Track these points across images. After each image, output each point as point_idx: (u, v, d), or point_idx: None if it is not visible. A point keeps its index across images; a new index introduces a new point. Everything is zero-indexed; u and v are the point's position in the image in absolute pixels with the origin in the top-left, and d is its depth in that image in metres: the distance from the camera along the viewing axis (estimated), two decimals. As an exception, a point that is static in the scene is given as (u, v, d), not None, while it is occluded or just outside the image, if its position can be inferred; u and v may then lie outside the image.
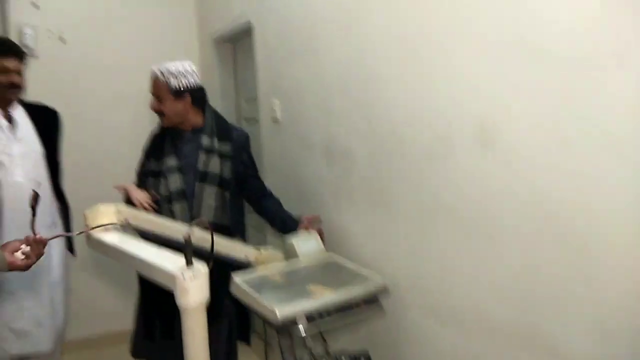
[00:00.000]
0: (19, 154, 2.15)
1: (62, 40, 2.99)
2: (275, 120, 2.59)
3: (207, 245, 1.80)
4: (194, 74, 2.05)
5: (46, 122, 2.30)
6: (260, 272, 1.84)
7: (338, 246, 2.08)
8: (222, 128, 2.09)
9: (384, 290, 1.77)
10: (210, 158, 2.01)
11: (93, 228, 1.58)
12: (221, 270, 1.82)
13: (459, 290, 1.57)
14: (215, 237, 1.84)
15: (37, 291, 2.21)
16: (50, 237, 1.48)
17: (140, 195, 1.97)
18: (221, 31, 3.12)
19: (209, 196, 1.99)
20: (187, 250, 1.25)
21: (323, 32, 2.11)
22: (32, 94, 2.89)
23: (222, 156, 2.04)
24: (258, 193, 2.19)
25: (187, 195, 2.00)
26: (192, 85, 2.02)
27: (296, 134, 2.41)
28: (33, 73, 2.89)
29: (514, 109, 1.33)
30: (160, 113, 2.03)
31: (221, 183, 2.02)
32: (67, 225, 2.34)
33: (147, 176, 2.07)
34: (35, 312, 2.21)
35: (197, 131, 2.06)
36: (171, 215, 1.96)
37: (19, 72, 2.16)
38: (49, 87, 2.97)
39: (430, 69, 1.59)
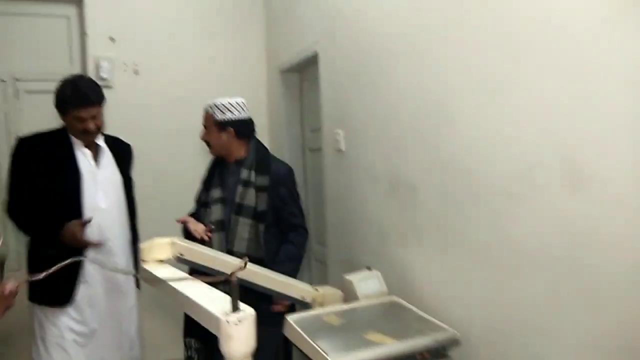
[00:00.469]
0: (103, 180, 2.17)
1: (136, 72, 3.09)
2: (338, 151, 2.49)
3: (259, 282, 1.72)
4: (242, 109, 2.12)
5: (122, 154, 2.30)
6: (316, 312, 1.72)
7: (401, 287, 1.92)
8: (262, 161, 2.12)
9: (454, 342, 1.58)
10: (246, 190, 2.05)
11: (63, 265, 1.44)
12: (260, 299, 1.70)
13: (541, 345, 1.36)
14: (270, 274, 1.76)
15: (117, 316, 2.22)
16: (22, 280, 1.50)
17: (197, 227, 2.04)
18: (288, 62, 3.10)
19: (243, 228, 2.02)
20: (233, 293, 1.15)
21: (392, 62, 2.00)
22: (106, 123, 3.00)
23: (258, 189, 2.05)
24: (285, 230, 2.13)
25: (225, 227, 2.05)
26: (236, 118, 2.09)
27: (360, 165, 2.29)
28: (107, 103, 3.00)
29: (611, 142, 1.14)
30: (207, 143, 2.15)
31: (255, 216, 2.03)
32: (135, 257, 2.27)
33: (201, 206, 2.16)
34: (114, 335, 2.22)
35: (239, 164, 2.12)
36: (209, 245, 1.98)
37: (93, 118, 2.09)
38: (121, 116, 3.04)
39: (510, 98, 1.42)
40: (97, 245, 2.06)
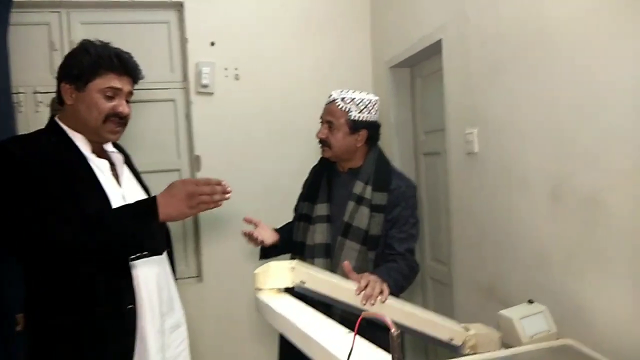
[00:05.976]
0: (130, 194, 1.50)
1: (236, 77, 2.92)
2: (470, 154, 2.10)
3: (397, 319, 1.39)
4: (377, 110, 1.80)
5: (129, 160, 1.63)
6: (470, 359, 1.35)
7: (575, 327, 1.49)
8: (380, 175, 1.76)
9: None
10: (358, 208, 1.72)
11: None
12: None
13: None
14: (411, 309, 1.42)
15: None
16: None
17: (265, 235, 1.78)
18: (398, 56, 2.76)
19: (348, 254, 1.68)
20: (394, 352, 0.83)
21: (553, 36, 1.59)
22: (208, 130, 2.89)
23: (373, 208, 1.71)
24: (389, 259, 1.71)
25: (330, 252, 1.73)
26: (372, 120, 1.79)
27: (503, 170, 1.89)
28: (209, 109, 2.89)
29: None
30: (325, 143, 1.78)
31: (365, 240, 1.69)
32: (170, 254, 1.60)
33: (301, 219, 1.83)
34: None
35: (353, 175, 1.79)
36: None
37: (128, 98, 1.45)
38: (222, 123, 2.91)
39: None
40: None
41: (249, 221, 1.81)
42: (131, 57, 1.44)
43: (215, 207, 1.30)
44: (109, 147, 1.50)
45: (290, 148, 2.97)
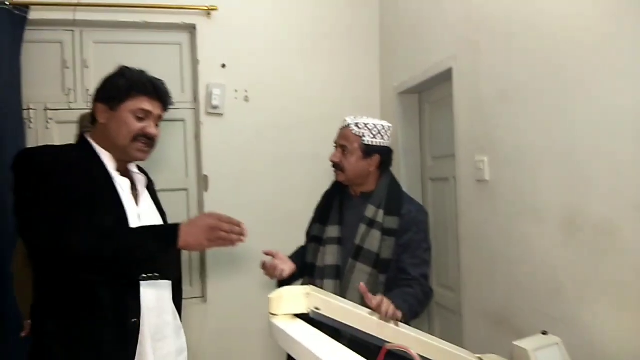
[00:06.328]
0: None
1: (246, 99, 2.95)
2: (481, 181, 2.11)
3: (411, 346, 1.37)
4: (389, 135, 1.83)
5: (150, 183, 1.65)
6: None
7: (590, 360, 1.48)
8: (392, 199, 1.78)
9: None
10: (369, 232, 1.73)
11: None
12: None
13: None
14: (428, 339, 1.41)
15: None
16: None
17: (283, 266, 1.75)
18: (408, 82, 2.79)
19: (359, 277, 1.69)
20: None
21: (565, 64, 1.61)
22: (217, 150, 2.90)
23: (385, 232, 1.72)
24: (402, 284, 1.68)
25: (340, 274, 1.74)
26: (385, 145, 1.81)
27: (515, 198, 1.89)
28: (218, 130, 2.91)
29: None
30: (339, 167, 1.81)
31: (377, 264, 1.70)
32: (179, 284, 1.62)
33: (312, 241, 1.85)
34: None
35: (365, 198, 1.81)
36: None
37: (157, 122, 1.50)
38: (231, 144, 2.93)
39: None
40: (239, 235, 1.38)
41: (267, 253, 1.81)
42: (164, 85, 1.52)
43: (230, 245, 1.36)
44: (133, 168, 1.55)
45: (298, 170, 2.98)
